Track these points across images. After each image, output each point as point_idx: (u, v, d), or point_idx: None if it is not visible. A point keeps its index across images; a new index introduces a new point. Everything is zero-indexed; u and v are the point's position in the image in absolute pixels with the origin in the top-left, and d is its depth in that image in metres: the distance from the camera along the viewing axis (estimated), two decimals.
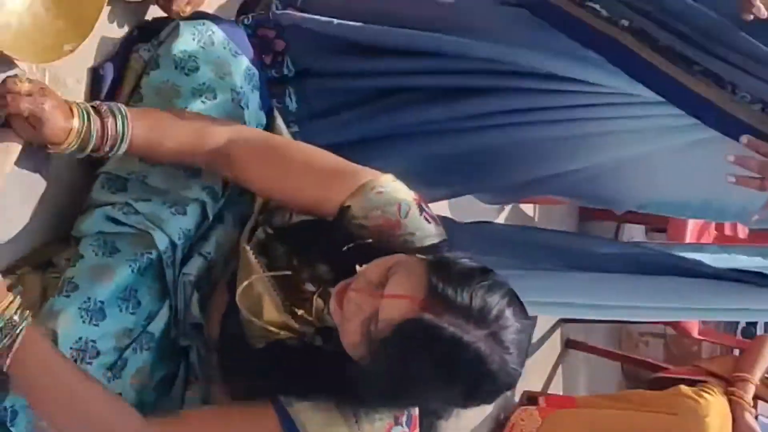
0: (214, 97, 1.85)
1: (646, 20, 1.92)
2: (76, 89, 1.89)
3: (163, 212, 1.74)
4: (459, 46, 2.03)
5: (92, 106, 1.66)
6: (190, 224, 1.77)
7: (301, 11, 2.16)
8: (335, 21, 2.08)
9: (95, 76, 1.91)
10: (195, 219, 1.78)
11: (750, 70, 1.89)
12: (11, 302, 1.50)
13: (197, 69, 1.86)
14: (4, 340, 1.47)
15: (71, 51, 1.76)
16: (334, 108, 2.16)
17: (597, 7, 1.95)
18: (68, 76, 1.87)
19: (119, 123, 1.66)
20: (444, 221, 1.70)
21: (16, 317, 1.49)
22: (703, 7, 1.91)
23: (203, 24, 1.90)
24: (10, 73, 1.71)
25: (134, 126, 1.67)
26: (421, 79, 2.10)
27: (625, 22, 1.93)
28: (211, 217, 1.80)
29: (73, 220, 1.79)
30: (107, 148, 1.66)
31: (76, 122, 1.62)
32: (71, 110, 1.62)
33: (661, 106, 1.96)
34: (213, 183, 1.80)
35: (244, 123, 1.87)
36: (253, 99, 1.92)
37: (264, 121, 1.97)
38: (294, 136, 2.14)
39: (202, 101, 1.84)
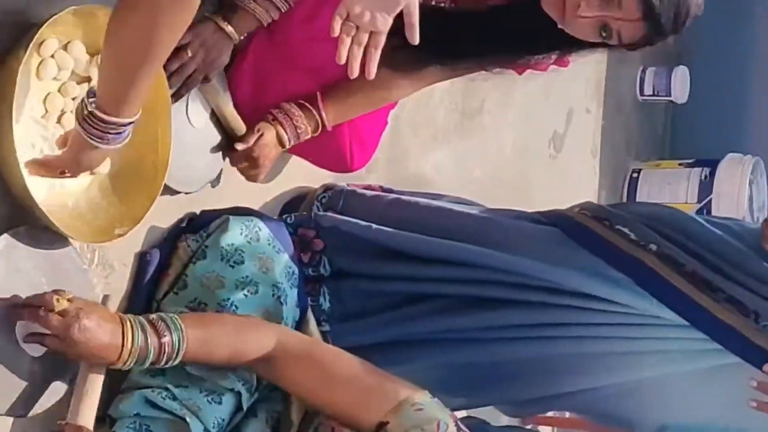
0: (256, 292, 1.94)
1: (673, 246, 2.02)
2: (122, 272, 1.98)
3: (199, 400, 1.78)
4: (491, 258, 2.11)
5: (148, 321, 1.70)
6: (225, 414, 1.81)
7: (341, 215, 2.27)
8: (374, 226, 2.18)
9: (142, 261, 2.00)
10: (229, 409, 1.82)
11: None
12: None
13: (242, 262, 1.95)
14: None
15: (122, 235, 1.85)
16: (365, 311, 2.22)
17: (626, 230, 2.06)
18: (116, 259, 1.96)
19: (176, 339, 1.70)
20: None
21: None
22: (727, 236, 2.01)
23: (251, 220, 2.00)
24: (64, 250, 1.80)
25: (189, 338, 1.71)
26: (452, 288, 2.17)
27: (653, 247, 2.03)
28: (245, 409, 1.84)
29: (110, 400, 1.83)
30: (162, 362, 1.70)
31: (129, 341, 1.65)
32: (123, 326, 1.66)
33: (685, 330, 2.02)
34: (249, 376, 1.85)
35: (282, 318, 1.95)
36: (291, 295, 2.00)
37: (298, 317, 2.04)
38: (324, 334, 2.19)
39: (245, 294, 1.92)
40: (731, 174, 4.39)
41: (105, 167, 1.85)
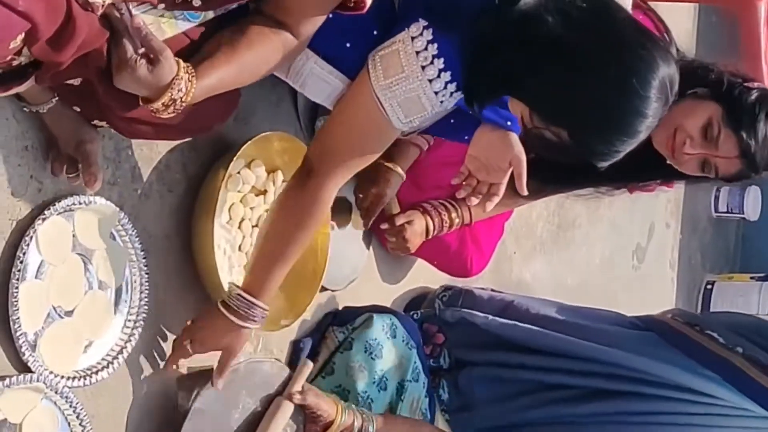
0: (385, 388, 2.28)
1: (758, 349, 2.32)
2: (279, 357, 2.30)
3: None
4: (609, 355, 2.41)
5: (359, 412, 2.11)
6: None
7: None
8: (498, 319, 2.50)
9: (295, 348, 2.33)
10: None
11: None
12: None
13: (381, 357, 2.28)
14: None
15: (287, 326, 2.19)
16: (483, 399, 2.51)
17: (715, 335, 2.38)
18: (275, 346, 2.28)
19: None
20: None
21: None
22: None
23: (390, 318, 2.33)
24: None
25: None
26: (575, 380, 2.45)
27: (740, 349, 2.34)
28: None
29: None
30: None
31: (338, 418, 2.06)
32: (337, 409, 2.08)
33: None
34: None
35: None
36: (411, 390, 2.35)
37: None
38: (447, 423, 2.49)
39: (378, 389, 2.25)
40: None
41: None
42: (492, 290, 2.78)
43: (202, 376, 1.94)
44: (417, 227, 2.42)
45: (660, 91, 1.60)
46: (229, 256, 2.10)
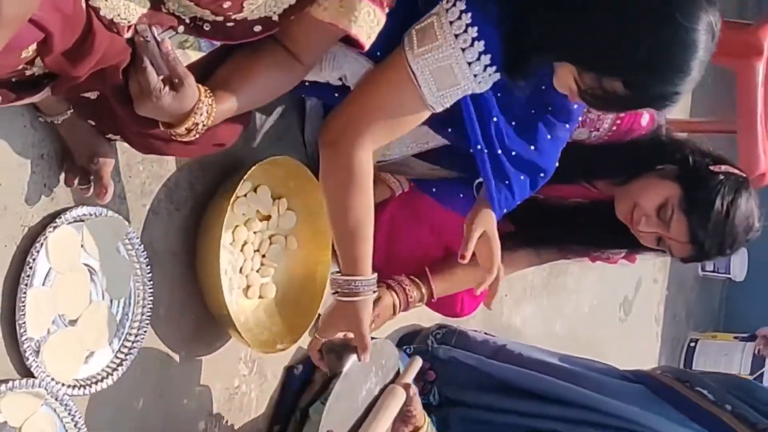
0: None
1: (746, 406, 2.36)
2: (272, 383, 2.32)
3: None
4: (602, 403, 2.45)
5: None
6: None
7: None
8: (491, 360, 2.52)
9: (289, 373, 2.34)
10: None
11: None
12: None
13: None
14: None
15: (283, 349, 2.20)
16: None
17: (705, 392, 2.43)
18: (269, 370, 2.30)
19: None
20: None
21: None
22: None
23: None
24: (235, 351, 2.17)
25: None
26: (564, 426, 2.48)
27: (728, 407, 2.39)
28: None
29: None
30: None
31: (426, 426, 2.14)
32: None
33: None
34: None
35: None
36: None
37: None
38: None
39: None
40: None
41: (271, 292, 2.23)
42: (485, 333, 2.81)
43: (347, 345, 1.96)
44: (385, 302, 2.39)
45: (707, 25, 1.63)
46: (230, 277, 2.13)
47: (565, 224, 2.43)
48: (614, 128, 2.28)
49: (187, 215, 2.03)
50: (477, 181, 2.12)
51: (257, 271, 2.21)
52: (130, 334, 1.92)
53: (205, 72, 1.66)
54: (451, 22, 1.75)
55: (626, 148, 2.30)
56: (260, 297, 2.23)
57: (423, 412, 2.07)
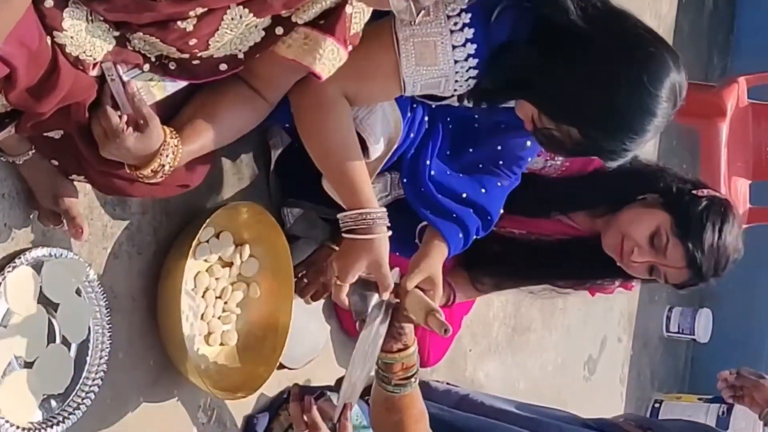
0: None
1: None
2: (232, 430, 2.30)
3: None
4: None
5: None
6: None
7: None
8: (453, 410, 2.51)
9: (249, 422, 2.32)
10: None
11: None
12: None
13: None
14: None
15: (243, 397, 2.19)
16: None
17: None
18: (228, 419, 2.28)
19: None
20: None
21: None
22: None
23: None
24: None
25: None
26: None
27: None
28: None
29: None
30: None
31: (413, 347, 1.97)
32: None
33: None
34: None
35: None
36: None
37: None
38: None
39: None
40: (747, 413, 4.65)
41: (232, 339, 2.22)
42: (448, 384, 2.80)
43: (369, 285, 1.91)
44: None
45: (670, 91, 1.67)
46: (191, 323, 2.12)
47: (552, 260, 2.44)
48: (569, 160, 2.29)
49: (149, 259, 2.03)
50: (420, 225, 2.12)
51: (219, 318, 2.20)
52: (87, 378, 1.90)
53: (170, 111, 1.66)
54: (446, 4, 1.76)
55: (604, 180, 2.32)
56: (221, 344, 2.21)
57: (413, 333, 2.01)
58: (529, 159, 2.15)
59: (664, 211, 2.26)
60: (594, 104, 1.69)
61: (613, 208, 2.33)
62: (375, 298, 1.89)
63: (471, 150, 2.10)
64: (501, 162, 2.11)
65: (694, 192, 2.30)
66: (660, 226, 2.25)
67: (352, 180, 1.84)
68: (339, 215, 1.87)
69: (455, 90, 1.84)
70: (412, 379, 1.96)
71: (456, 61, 1.78)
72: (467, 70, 1.79)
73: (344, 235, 1.85)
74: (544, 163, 2.32)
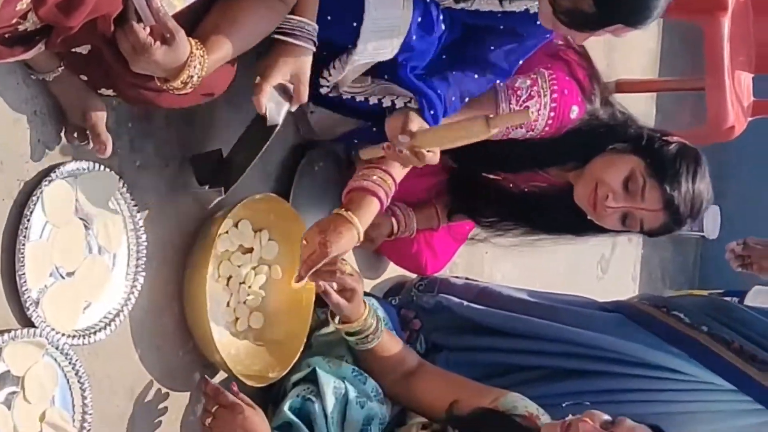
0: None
1: (722, 326, 2.43)
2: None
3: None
4: (577, 335, 2.51)
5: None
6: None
7: None
8: (472, 304, 2.59)
9: None
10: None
11: None
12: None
13: None
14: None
15: (275, 378, 2.23)
16: None
17: (681, 315, 2.49)
18: None
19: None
20: None
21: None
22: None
23: (370, 300, 2.36)
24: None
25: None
26: (541, 360, 2.56)
27: (705, 328, 2.46)
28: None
29: None
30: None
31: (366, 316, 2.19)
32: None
33: (733, 393, 2.43)
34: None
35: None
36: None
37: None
38: None
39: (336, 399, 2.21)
40: (758, 304, 4.73)
41: (259, 322, 2.29)
42: (467, 278, 2.88)
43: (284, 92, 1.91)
44: (383, 230, 2.51)
45: None
46: (217, 318, 2.19)
47: (535, 208, 2.52)
48: (546, 128, 2.28)
49: (176, 171, 2.08)
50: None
51: (244, 303, 2.26)
52: (126, 286, 1.97)
53: (191, 22, 1.71)
54: None
55: (574, 135, 2.32)
56: (249, 327, 2.27)
57: (362, 302, 2.18)
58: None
59: (636, 156, 2.27)
60: None
61: (584, 160, 2.34)
62: (285, 108, 1.91)
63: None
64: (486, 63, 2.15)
65: (665, 138, 2.32)
66: (634, 169, 2.25)
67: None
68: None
69: None
70: (370, 337, 2.22)
71: None
72: None
73: (277, 36, 1.85)
74: (524, 134, 2.31)
